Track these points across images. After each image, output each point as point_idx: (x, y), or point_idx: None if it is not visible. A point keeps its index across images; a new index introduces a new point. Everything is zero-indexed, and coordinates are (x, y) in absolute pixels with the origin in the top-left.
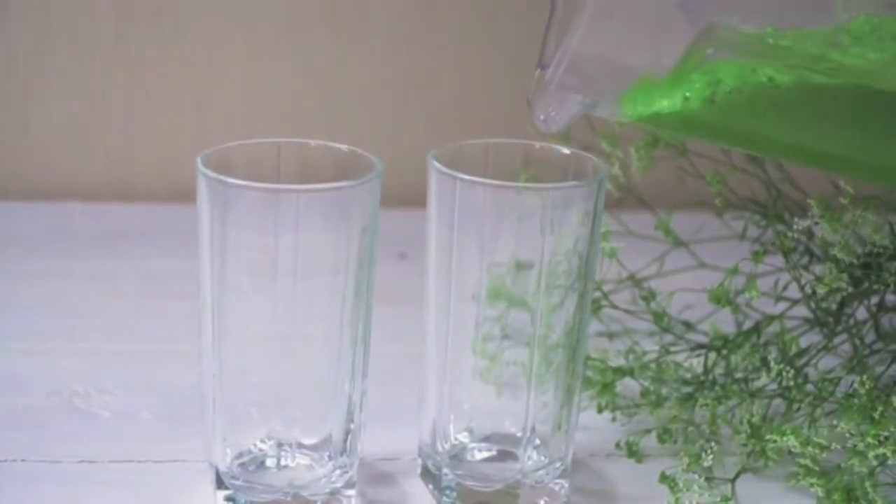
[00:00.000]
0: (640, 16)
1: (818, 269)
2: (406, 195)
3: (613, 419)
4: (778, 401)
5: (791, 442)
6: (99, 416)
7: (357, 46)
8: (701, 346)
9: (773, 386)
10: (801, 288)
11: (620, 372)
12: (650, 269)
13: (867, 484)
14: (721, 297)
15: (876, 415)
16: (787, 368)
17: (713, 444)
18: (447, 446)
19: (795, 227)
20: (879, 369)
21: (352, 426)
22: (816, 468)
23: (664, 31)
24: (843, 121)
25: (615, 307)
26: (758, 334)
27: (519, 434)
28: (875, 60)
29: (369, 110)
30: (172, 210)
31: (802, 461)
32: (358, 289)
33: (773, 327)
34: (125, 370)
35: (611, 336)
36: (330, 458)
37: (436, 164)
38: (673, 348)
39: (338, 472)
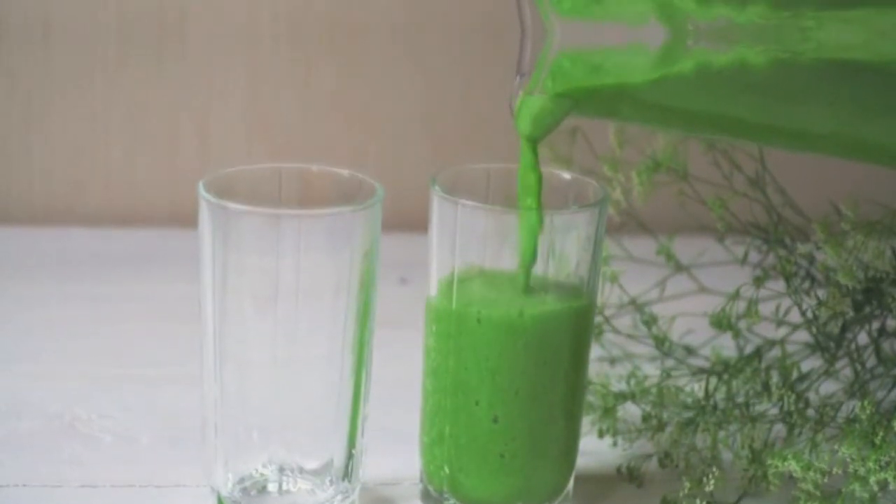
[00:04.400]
0: (607, 42)
1: (819, 293)
2: (407, 220)
3: (614, 444)
4: (779, 425)
5: (792, 467)
6: (100, 440)
7: (358, 71)
8: (702, 370)
9: (775, 410)
10: (803, 313)
11: (621, 396)
12: (651, 293)
13: None
14: (722, 322)
15: (877, 440)
16: (789, 393)
17: (714, 468)
18: (447, 470)
19: (797, 251)
20: (880, 394)
21: (353, 451)
22: (818, 493)
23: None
24: (822, 98)
25: (617, 332)
26: (759, 359)
27: None
28: (857, 34)
29: (370, 135)
30: (174, 234)
31: (804, 486)
32: (359, 313)
33: (775, 352)
34: (126, 394)
35: (612, 361)
36: (331, 482)
37: (437, 188)
38: (674, 373)
39: (339, 496)
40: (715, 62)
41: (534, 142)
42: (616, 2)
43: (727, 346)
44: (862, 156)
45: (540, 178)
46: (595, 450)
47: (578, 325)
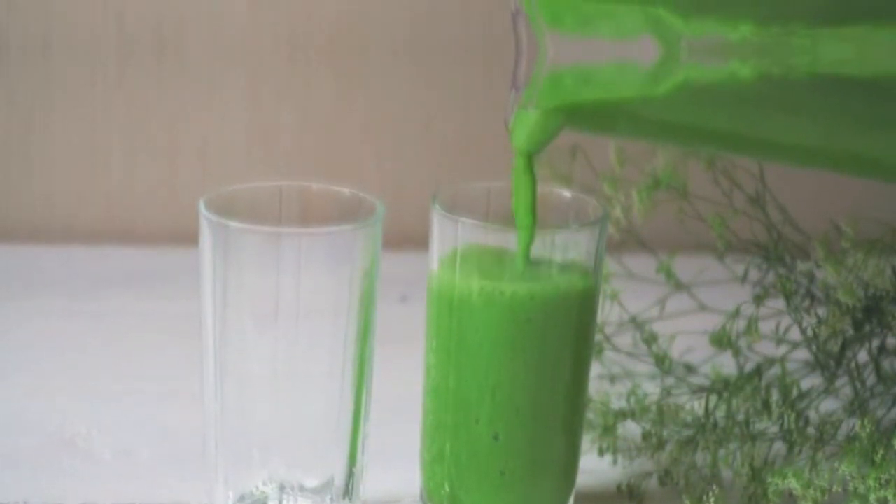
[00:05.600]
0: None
1: (820, 311)
2: (408, 237)
3: (614, 462)
4: (779, 443)
5: (792, 485)
6: (101, 456)
7: (358, 90)
8: (702, 388)
9: (775, 429)
10: (803, 331)
11: (622, 414)
12: (651, 311)
13: None
14: (722, 340)
15: (877, 458)
16: (789, 411)
17: (714, 486)
18: (447, 488)
19: (797, 269)
20: (880, 412)
21: (354, 468)
22: None
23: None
24: (817, 113)
25: (617, 349)
26: (759, 377)
27: None
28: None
29: (370, 152)
30: (174, 252)
31: None
32: (359, 331)
33: (775, 370)
34: (127, 410)
35: (612, 379)
36: (332, 500)
37: (437, 206)
38: (674, 391)
39: None
40: (708, 77)
41: (528, 156)
42: (609, 19)
43: (727, 364)
44: (862, 170)
45: (534, 192)
46: (595, 468)
47: (580, 311)
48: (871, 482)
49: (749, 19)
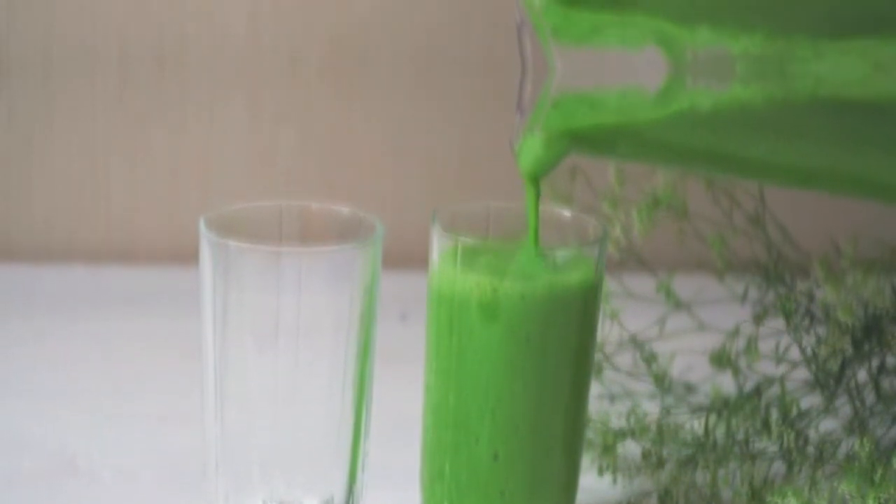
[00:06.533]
0: (608, 77)
1: (819, 331)
2: (407, 256)
3: (614, 481)
4: (779, 463)
5: None
6: (101, 478)
7: (358, 109)
8: (702, 407)
9: (774, 448)
10: (802, 350)
11: (621, 434)
12: (651, 330)
13: None
14: (722, 359)
15: (876, 477)
16: (788, 430)
17: None
18: None
19: (797, 288)
20: (880, 431)
21: (354, 487)
22: None
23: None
24: (820, 136)
25: (616, 369)
26: (759, 396)
27: None
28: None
29: (370, 172)
30: (174, 272)
31: None
32: (359, 349)
33: (774, 389)
34: (127, 431)
35: (612, 398)
36: None
37: (437, 226)
38: (674, 410)
39: None
40: (712, 102)
41: (535, 180)
42: (614, 29)
43: (727, 384)
44: (865, 193)
45: (538, 215)
46: (595, 487)
47: (580, 330)
48: (870, 501)
49: (752, 32)
